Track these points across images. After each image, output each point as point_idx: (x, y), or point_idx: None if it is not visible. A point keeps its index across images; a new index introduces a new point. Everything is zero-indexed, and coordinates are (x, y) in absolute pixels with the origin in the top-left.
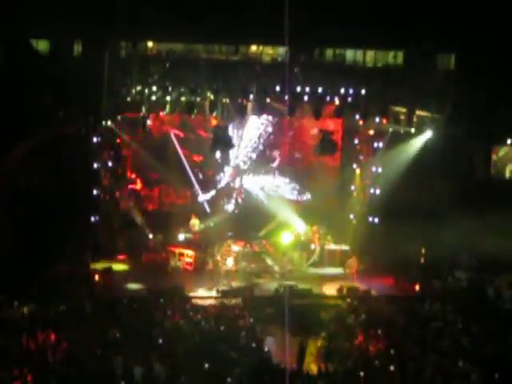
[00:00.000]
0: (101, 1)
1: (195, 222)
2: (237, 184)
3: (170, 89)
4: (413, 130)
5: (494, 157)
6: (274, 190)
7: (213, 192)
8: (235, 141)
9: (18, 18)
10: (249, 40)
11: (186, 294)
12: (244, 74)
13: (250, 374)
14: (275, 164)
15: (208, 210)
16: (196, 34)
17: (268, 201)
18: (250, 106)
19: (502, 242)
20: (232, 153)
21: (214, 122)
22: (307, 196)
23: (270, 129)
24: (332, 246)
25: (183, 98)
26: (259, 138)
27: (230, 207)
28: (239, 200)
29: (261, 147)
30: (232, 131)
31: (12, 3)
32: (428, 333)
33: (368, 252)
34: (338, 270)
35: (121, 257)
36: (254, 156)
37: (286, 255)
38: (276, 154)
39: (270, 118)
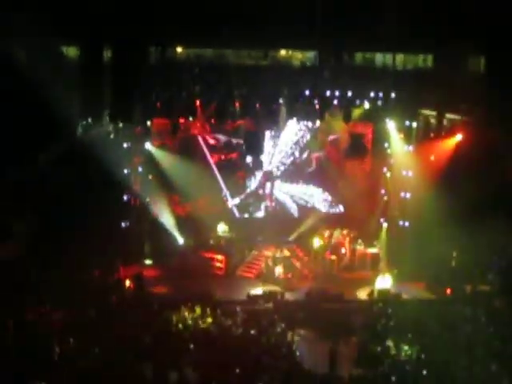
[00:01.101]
0: (130, 7)
1: (224, 227)
2: (267, 190)
3: (199, 94)
4: (443, 133)
5: None
6: (305, 200)
7: (242, 197)
8: (267, 146)
9: (47, 23)
10: (278, 44)
11: (217, 299)
12: (273, 78)
13: (281, 379)
14: (309, 170)
15: (237, 214)
16: (225, 39)
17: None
18: (281, 110)
19: None
20: (264, 158)
21: (244, 127)
22: (339, 208)
23: (303, 133)
24: (362, 250)
25: (213, 103)
26: (294, 144)
27: (260, 212)
28: (269, 205)
29: (296, 153)
30: (263, 136)
31: (42, 9)
32: (459, 337)
33: (399, 256)
34: (369, 274)
35: (151, 262)
36: (287, 162)
37: (317, 259)
38: (310, 159)
39: (303, 122)
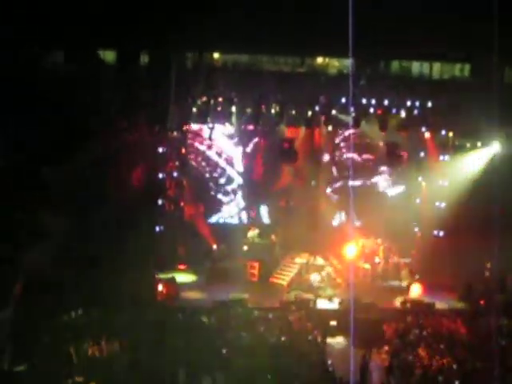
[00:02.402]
0: (168, 11)
1: (254, 234)
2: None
3: (235, 100)
4: (479, 143)
5: None
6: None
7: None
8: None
9: (84, 28)
10: (315, 52)
11: (250, 305)
12: (310, 85)
13: None
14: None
15: (268, 221)
16: (262, 46)
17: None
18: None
19: None
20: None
21: (281, 134)
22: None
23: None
24: (396, 259)
25: (249, 109)
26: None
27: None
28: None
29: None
30: (298, 143)
31: (78, 14)
32: (492, 347)
33: (433, 265)
34: (403, 284)
35: (184, 267)
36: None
37: (350, 268)
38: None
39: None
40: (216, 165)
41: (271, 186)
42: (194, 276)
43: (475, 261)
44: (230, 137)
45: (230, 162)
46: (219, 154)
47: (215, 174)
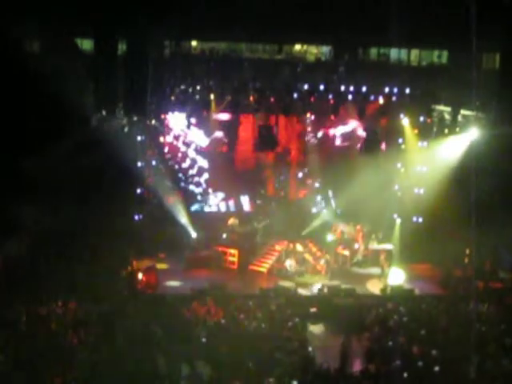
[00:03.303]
0: (145, 1)
1: (234, 222)
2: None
3: (213, 88)
4: (458, 130)
5: None
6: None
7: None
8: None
9: (61, 16)
10: (293, 39)
11: (229, 293)
12: (288, 73)
13: (293, 374)
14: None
15: (247, 209)
16: (240, 33)
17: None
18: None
19: None
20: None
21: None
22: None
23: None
24: (375, 246)
25: (227, 97)
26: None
27: (272, 206)
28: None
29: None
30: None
31: (54, 2)
32: (471, 333)
33: (412, 252)
34: (382, 270)
35: (164, 255)
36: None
37: (330, 254)
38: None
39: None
40: (184, 156)
41: (252, 174)
42: (174, 265)
43: (454, 247)
44: (207, 125)
45: (200, 152)
46: (187, 145)
47: (184, 165)
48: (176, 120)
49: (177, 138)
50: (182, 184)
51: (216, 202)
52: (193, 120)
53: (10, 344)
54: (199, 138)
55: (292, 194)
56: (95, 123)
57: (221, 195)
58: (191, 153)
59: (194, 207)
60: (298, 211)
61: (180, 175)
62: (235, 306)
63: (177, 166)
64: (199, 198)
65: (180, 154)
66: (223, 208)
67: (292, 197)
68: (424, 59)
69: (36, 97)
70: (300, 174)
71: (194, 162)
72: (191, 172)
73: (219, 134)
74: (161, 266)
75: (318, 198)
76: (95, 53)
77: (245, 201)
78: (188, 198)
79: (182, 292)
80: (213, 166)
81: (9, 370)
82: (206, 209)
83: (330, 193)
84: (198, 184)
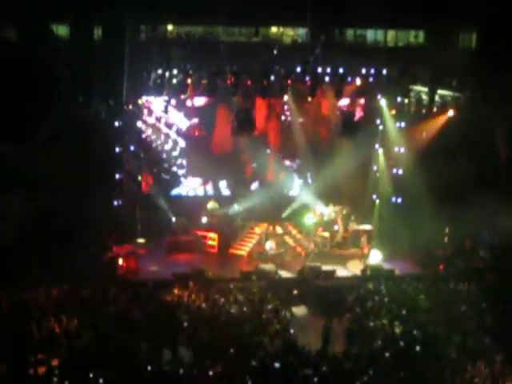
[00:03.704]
0: None
1: (214, 206)
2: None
3: (190, 72)
4: (435, 110)
5: None
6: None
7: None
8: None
9: (36, 2)
10: (269, 21)
11: (210, 277)
12: (264, 55)
13: (275, 356)
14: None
15: (226, 193)
16: (216, 17)
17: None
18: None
19: None
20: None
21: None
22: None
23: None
24: (355, 227)
25: (204, 81)
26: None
27: (251, 190)
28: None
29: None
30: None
31: None
32: (452, 312)
33: (391, 232)
34: (362, 251)
35: (144, 240)
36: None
37: (309, 236)
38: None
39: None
40: (167, 137)
41: (230, 158)
42: (154, 249)
43: (434, 226)
44: (186, 108)
45: (181, 135)
46: (169, 126)
47: (167, 147)
48: (158, 102)
49: (159, 119)
50: (162, 168)
51: (195, 186)
52: (173, 102)
53: None
54: (180, 120)
55: (271, 177)
56: (72, 109)
57: (199, 179)
58: (173, 134)
59: (174, 191)
60: (277, 194)
61: (163, 157)
62: (216, 290)
63: (160, 148)
64: (178, 182)
65: (162, 136)
66: (201, 192)
67: (271, 179)
68: (400, 40)
69: (12, 84)
70: (278, 157)
71: (175, 143)
72: (174, 154)
73: (196, 118)
74: (141, 251)
75: (297, 180)
76: (71, 39)
77: (223, 184)
78: (167, 183)
79: (163, 277)
80: (191, 150)
81: None
82: (185, 193)
83: (309, 175)
84: (180, 166)
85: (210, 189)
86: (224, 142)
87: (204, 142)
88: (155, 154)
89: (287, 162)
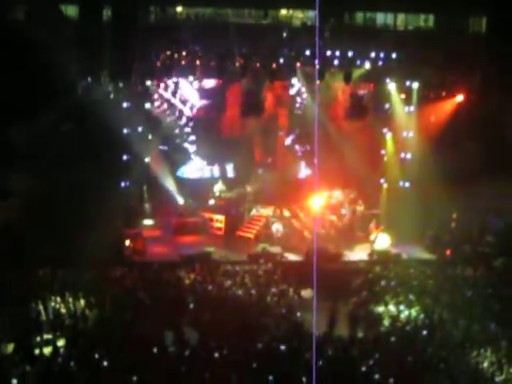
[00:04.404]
0: None
1: (221, 188)
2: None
3: (199, 53)
4: (444, 94)
5: None
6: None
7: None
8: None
9: None
10: (278, 4)
11: (217, 259)
12: (273, 38)
13: (281, 340)
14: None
15: (232, 175)
16: None
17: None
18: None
19: None
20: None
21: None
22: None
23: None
24: (363, 210)
25: (213, 63)
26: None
27: (259, 172)
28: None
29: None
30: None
31: None
32: (459, 298)
33: (399, 216)
34: (369, 234)
35: (151, 222)
36: None
37: (317, 219)
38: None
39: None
40: (181, 113)
41: (239, 140)
42: (162, 231)
43: (441, 211)
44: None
45: (194, 112)
46: (184, 103)
47: (180, 122)
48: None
49: (174, 94)
50: (173, 143)
51: (202, 167)
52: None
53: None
54: (194, 97)
55: (279, 160)
56: (81, 90)
57: (208, 161)
58: (187, 111)
59: (181, 172)
60: (285, 177)
61: (175, 132)
62: (223, 273)
63: (173, 124)
64: (189, 158)
65: (177, 112)
66: (208, 174)
67: (279, 163)
68: (410, 23)
69: (21, 64)
70: (288, 141)
71: (188, 120)
72: (186, 130)
73: (206, 100)
74: (148, 232)
75: (304, 163)
76: (80, 19)
77: (231, 167)
78: (177, 160)
79: (170, 258)
80: (200, 132)
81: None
82: (193, 175)
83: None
84: (191, 142)
85: (216, 171)
86: (233, 124)
87: (213, 124)
88: (167, 129)
89: (296, 146)
